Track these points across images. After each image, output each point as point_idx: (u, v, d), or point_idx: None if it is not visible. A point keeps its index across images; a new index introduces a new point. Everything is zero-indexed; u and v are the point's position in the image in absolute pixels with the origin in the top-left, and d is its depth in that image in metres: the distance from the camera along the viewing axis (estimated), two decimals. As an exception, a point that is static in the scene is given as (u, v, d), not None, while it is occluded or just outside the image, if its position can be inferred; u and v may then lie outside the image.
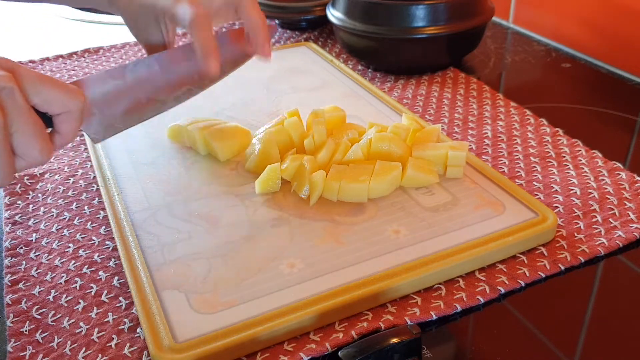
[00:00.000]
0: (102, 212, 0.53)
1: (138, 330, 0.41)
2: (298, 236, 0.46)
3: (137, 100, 0.48)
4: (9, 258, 0.48)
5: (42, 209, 0.54)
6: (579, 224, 0.49)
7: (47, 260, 0.47)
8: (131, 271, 0.44)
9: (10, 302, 0.43)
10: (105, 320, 0.42)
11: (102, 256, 0.48)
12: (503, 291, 0.43)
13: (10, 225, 0.52)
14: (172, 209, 0.50)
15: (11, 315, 0.42)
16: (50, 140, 0.40)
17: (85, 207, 0.53)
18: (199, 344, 0.38)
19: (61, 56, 0.86)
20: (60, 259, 0.47)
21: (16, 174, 0.41)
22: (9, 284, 0.45)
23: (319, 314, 0.40)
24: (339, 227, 0.47)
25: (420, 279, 0.42)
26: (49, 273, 0.46)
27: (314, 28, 0.94)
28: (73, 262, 0.47)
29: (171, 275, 0.43)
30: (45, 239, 0.50)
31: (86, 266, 0.47)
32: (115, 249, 0.48)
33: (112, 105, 0.47)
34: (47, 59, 0.86)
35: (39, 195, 0.56)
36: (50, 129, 0.40)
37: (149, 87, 0.49)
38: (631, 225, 0.48)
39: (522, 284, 0.43)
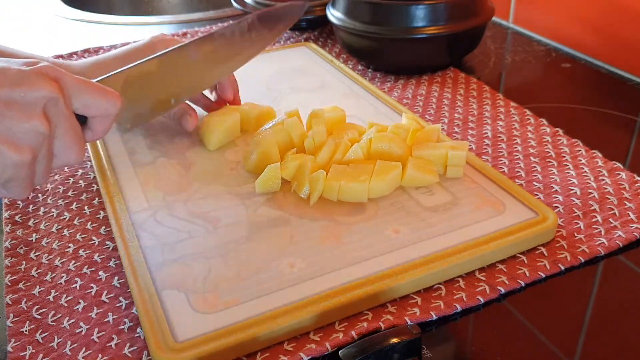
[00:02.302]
0: (102, 212, 0.53)
1: (138, 330, 0.41)
2: (298, 236, 0.46)
3: (165, 95, 0.52)
4: (9, 258, 0.48)
5: (42, 209, 0.54)
6: (579, 224, 0.49)
7: (47, 260, 0.47)
8: (131, 271, 0.44)
9: (10, 302, 0.43)
10: (106, 320, 0.42)
11: (102, 256, 0.48)
12: (503, 291, 0.43)
13: (10, 225, 0.52)
14: (172, 209, 0.50)
15: (11, 315, 0.42)
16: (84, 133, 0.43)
17: (86, 207, 0.53)
18: (199, 343, 0.38)
19: (61, 56, 0.86)
20: (60, 259, 0.47)
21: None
22: (9, 284, 0.45)
23: (319, 314, 0.40)
24: (339, 226, 0.47)
25: (420, 278, 0.42)
26: (49, 273, 0.46)
27: (314, 28, 0.94)
28: (73, 262, 0.47)
29: (171, 275, 0.43)
30: (46, 239, 0.50)
31: (86, 266, 0.47)
32: (115, 249, 0.48)
33: (142, 100, 0.50)
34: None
35: (39, 195, 0.56)
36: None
37: (179, 83, 0.52)
38: (631, 225, 0.48)
39: (522, 284, 0.43)
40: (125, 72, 0.48)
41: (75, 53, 0.87)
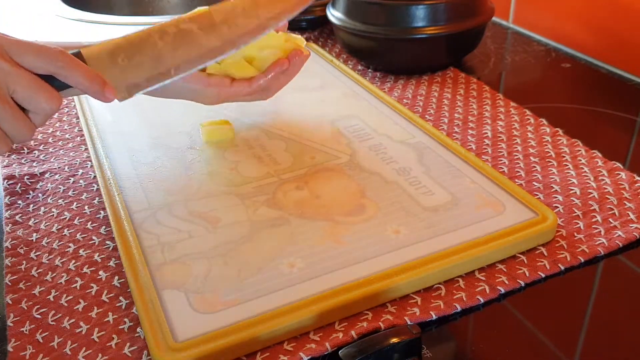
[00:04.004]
0: (102, 211, 0.53)
1: (138, 329, 0.41)
2: (298, 236, 0.47)
3: (163, 68, 0.49)
4: (10, 258, 0.48)
5: (42, 208, 0.54)
6: (578, 223, 0.49)
7: (47, 260, 0.47)
8: (131, 271, 0.44)
9: (10, 302, 0.43)
10: (106, 319, 0.42)
11: (103, 256, 0.48)
12: (503, 291, 0.43)
13: (10, 225, 0.52)
14: (172, 208, 0.50)
15: (12, 315, 0.42)
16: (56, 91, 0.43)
17: (86, 207, 0.53)
18: (199, 343, 0.38)
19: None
20: (60, 259, 0.47)
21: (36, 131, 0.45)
22: (10, 284, 0.45)
23: (318, 314, 0.40)
24: (339, 226, 0.47)
25: (420, 278, 0.42)
26: (50, 273, 0.46)
27: (314, 28, 0.94)
28: (73, 261, 0.47)
29: (171, 275, 0.43)
30: (46, 238, 0.50)
31: (86, 266, 0.47)
32: (115, 248, 0.48)
33: (135, 69, 0.48)
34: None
35: (39, 195, 0.56)
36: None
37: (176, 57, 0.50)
38: (631, 225, 0.48)
39: (522, 284, 0.43)
40: (113, 42, 0.47)
41: (76, 53, 0.87)
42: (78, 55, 0.45)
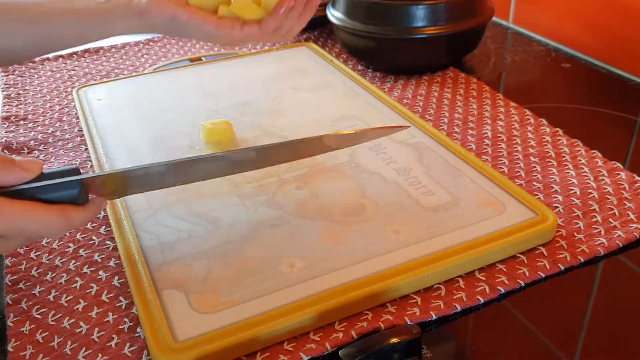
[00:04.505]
0: (102, 211, 0.53)
1: (138, 329, 0.41)
2: (298, 236, 0.47)
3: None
4: (9, 258, 0.48)
5: (42, 208, 0.53)
6: (578, 223, 0.49)
7: (47, 260, 0.47)
8: (131, 271, 0.44)
9: (10, 302, 0.43)
10: (106, 319, 0.42)
11: (102, 256, 0.48)
12: (503, 291, 0.43)
13: (10, 225, 0.52)
14: (172, 208, 0.50)
15: (11, 315, 0.42)
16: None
17: (86, 207, 0.53)
18: (199, 343, 0.38)
19: (61, 56, 0.86)
20: (60, 259, 0.47)
21: None
22: (9, 284, 0.45)
23: (319, 314, 0.40)
24: (339, 226, 0.47)
25: (420, 278, 0.42)
26: (49, 273, 0.46)
27: (314, 28, 0.94)
28: (73, 261, 0.47)
29: (171, 275, 0.43)
30: (45, 238, 0.50)
31: (86, 266, 0.47)
32: (115, 248, 0.48)
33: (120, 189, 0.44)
34: (47, 59, 0.86)
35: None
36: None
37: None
38: (631, 225, 0.48)
39: (522, 284, 0.43)
40: (109, 176, 0.42)
41: (76, 53, 0.88)
42: (78, 182, 0.39)
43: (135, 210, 0.50)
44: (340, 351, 0.37)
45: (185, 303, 0.41)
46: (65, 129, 0.67)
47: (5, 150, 0.63)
